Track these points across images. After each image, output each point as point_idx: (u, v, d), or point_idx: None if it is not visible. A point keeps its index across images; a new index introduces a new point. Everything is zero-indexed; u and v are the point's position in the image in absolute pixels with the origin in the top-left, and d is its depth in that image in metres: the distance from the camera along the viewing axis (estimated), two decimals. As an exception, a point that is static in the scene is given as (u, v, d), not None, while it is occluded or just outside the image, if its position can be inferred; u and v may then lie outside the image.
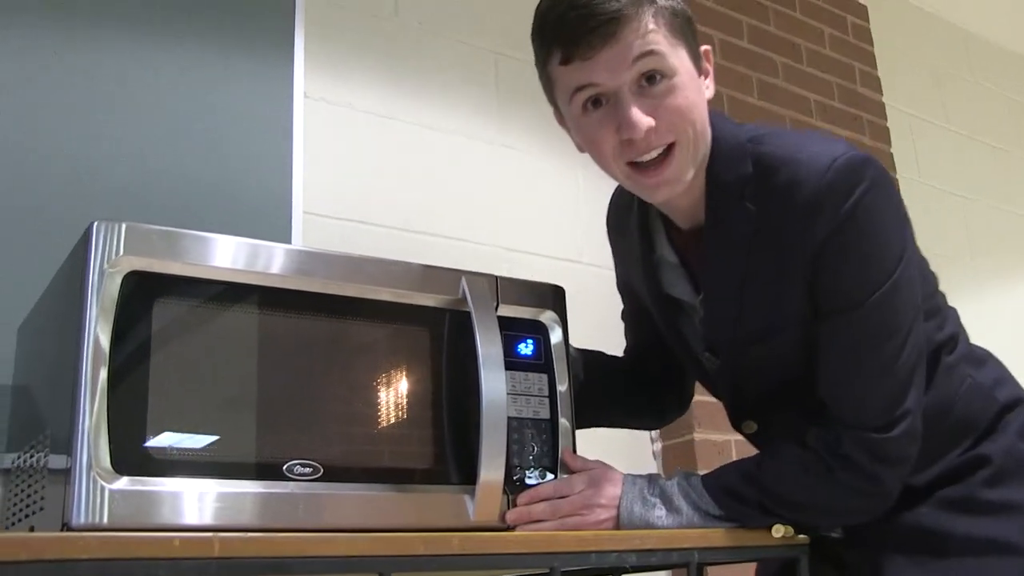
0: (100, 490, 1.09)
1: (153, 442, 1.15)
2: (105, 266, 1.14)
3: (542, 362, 1.42)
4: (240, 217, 1.91)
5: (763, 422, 1.40)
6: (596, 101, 1.18)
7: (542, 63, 1.25)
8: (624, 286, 1.58)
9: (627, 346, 1.67)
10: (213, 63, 1.98)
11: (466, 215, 2.24)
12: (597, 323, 2.41)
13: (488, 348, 1.32)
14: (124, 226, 1.17)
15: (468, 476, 1.31)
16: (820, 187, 1.17)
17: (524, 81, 2.46)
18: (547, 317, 1.44)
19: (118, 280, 1.15)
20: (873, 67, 3.31)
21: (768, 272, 1.23)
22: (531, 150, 2.41)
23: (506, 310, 1.40)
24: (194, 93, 1.94)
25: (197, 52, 1.97)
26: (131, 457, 1.12)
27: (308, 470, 1.22)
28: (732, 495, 1.29)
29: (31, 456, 1.32)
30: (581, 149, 1.29)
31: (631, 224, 1.41)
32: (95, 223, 1.17)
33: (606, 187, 2.55)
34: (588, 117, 1.20)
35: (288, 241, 1.95)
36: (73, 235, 1.26)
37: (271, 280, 1.26)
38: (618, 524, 1.30)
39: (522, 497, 1.30)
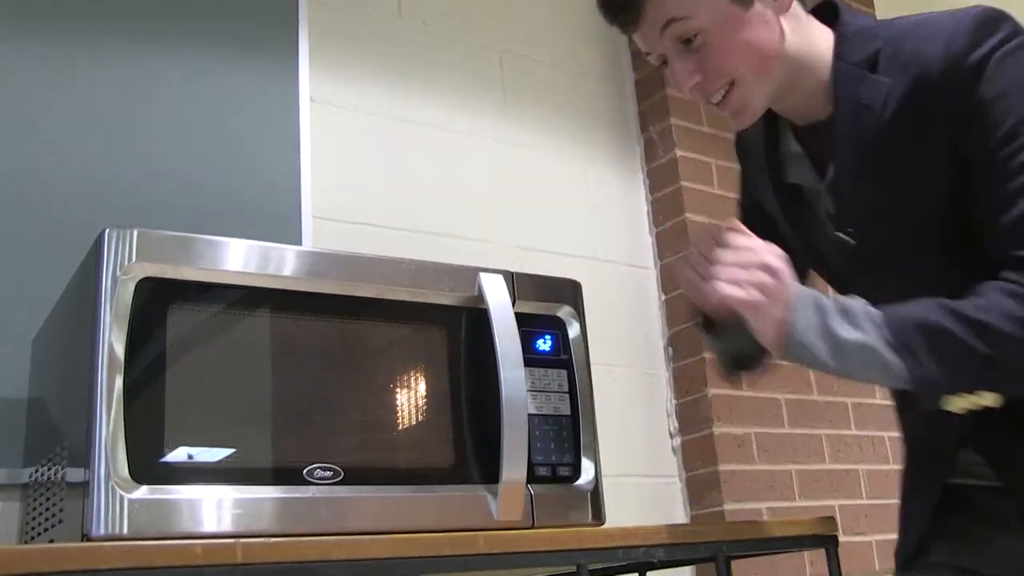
0: (119, 500, 1.08)
1: (171, 450, 1.14)
2: (118, 273, 1.14)
3: (561, 357, 1.40)
4: (250, 223, 1.89)
5: None
6: (664, 61, 1.23)
7: None
8: (747, 198, 1.47)
9: None
10: (218, 70, 1.97)
11: (476, 214, 2.23)
12: (614, 318, 2.40)
13: (506, 345, 1.31)
14: (136, 232, 1.16)
15: (490, 475, 1.30)
16: (951, 39, 1.12)
17: (530, 79, 2.45)
18: (564, 312, 1.42)
19: (131, 287, 1.14)
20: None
21: (906, 141, 1.17)
22: (539, 147, 2.39)
23: (523, 306, 1.38)
24: (200, 100, 1.93)
25: (202, 59, 1.95)
26: (149, 466, 1.11)
27: (329, 474, 1.21)
28: (928, 329, 1.07)
29: (48, 469, 1.31)
30: None
31: (757, 130, 1.36)
32: (107, 230, 1.16)
33: (614, 183, 2.55)
34: (665, 71, 1.26)
35: (299, 245, 1.94)
36: (83, 244, 1.25)
37: (286, 283, 1.25)
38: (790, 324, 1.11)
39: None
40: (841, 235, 1.24)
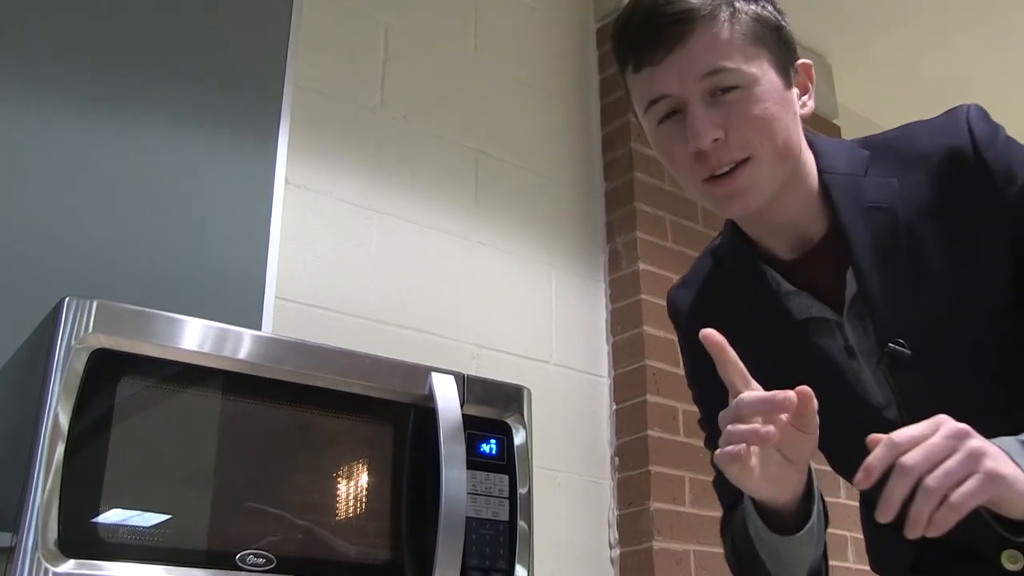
0: (44, 573, 1.07)
1: (104, 525, 1.13)
2: (73, 342, 1.14)
3: (504, 463, 1.42)
4: (212, 298, 1.90)
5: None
6: (670, 113, 1.09)
7: (621, 73, 1.15)
8: (707, 385, 1.19)
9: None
10: (197, 145, 2.00)
11: (438, 309, 2.25)
12: (563, 424, 2.41)
13: (451, 446, 1.32)
14: (95, 303, 1.17)
15: (424, 574, 1.30)
16: (973, 142, 1.08)
17: (503, 180, 2.50)
18: (512, 418, 1.44)
19: (84, 357, 1.15)
20: (844, 187, 3.40)
21: (945, 235, 1.09)
22: (505, 248, 2.43)
23: (472, 409, 1.40)
24: (176, 174, 1.95)
25: (182, 133, 1.98)
26: (80, 540, 1.10)
27: (262, 560, 1.20)
28: None
29: (-24, 531, 1.29)
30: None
31: (737, 279, 1.22)
32: (66, 298, 1.17)
33: (576, 290, 2.60)
34: (660, 129, 1.11)
35: (258, 324, 1.94)
36: (41, 308, 1.25)
37: (240, 366, 1.26)
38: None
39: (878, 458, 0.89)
40: (895, 347, 1.10)
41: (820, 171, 1.15)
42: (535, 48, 2.73)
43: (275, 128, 2.14)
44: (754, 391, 0.98)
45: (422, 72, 2.44)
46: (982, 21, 3.30)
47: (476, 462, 1.37)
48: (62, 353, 1.13)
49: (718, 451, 0.98)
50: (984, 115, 1.12)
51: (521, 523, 1.40)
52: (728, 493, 1.23)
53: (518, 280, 2.44)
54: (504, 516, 1.39)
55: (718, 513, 2.45)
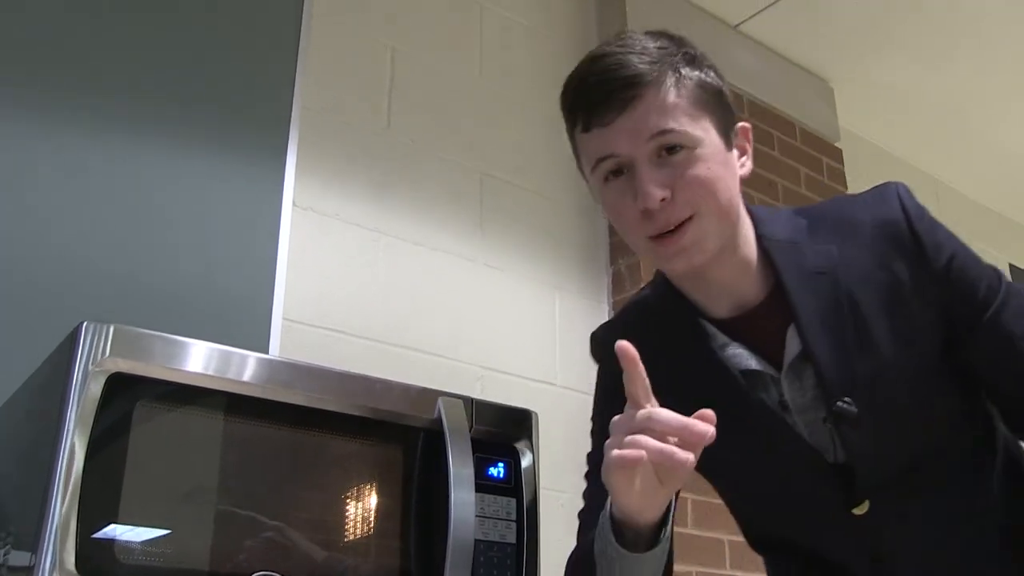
0: (63, 593, 1.08)
1: (121, 547, 1.15)
2: (90, 367, 1.16)
3: (512, 486, 1.44)
4: (219, 320, 1.92)
5: (888, 493, 1.17)
6: (617, 171, 1.14)
7: (569, 130, 1.21)
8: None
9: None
10: (205, 167, 2.02)
11: (444, 331, 2.27)
12: (567, 446, 2.42)
13: (459, 469, 1.34)
14: (112, 328, 1.19)
15: (432, 597, 1.31)
16: (907, 217, 1.17)
17: (508, 202, 2.53)
18: (519, 441, 1.46)
19: (102, 381, 1.16)
20: (846, 208, 3.41)
21: (883, 300, 1.16)
22: (510, 270, 2.45)
23: (479, 432, 1.42)
24: (184, 196, 1.98)
25: (191, 155, 2.01)
26: (96, 560, 1.12)
27: (272, 583, 1.22)
28: None
29: (-8, 552, 1.31)
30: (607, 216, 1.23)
31: (667, 330, 1.25)
32: (84, 323, 1.18)
33: (580, 311, 2.62)
34: (608, 187, 1.16)
35: (265, 345, 1.96)
36: (55, 329, 1.27)
37: (255, 390, 1.28)
38: None
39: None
40: (843, 405, 1.15)
41: (760, 237, 1.21)
42: (539, 70, 2.76)
43: (283, 150, 2.16)
44: (664, 409, 1.01)
45: (428, 95, 2.47)
46: (983, 43, 3.33)
47: (484, 485, 1.39)
48: (79, 377, 1.15)
49: (616, 453, 0.99)
50: (911, 193, 1.21)
51: (528, 545, 1.41)
52: (590, 521, 1.21)
53: (522, 301, 2.46)
54: (511, 539, 1.40)
55: (722, 535, 2.46)
